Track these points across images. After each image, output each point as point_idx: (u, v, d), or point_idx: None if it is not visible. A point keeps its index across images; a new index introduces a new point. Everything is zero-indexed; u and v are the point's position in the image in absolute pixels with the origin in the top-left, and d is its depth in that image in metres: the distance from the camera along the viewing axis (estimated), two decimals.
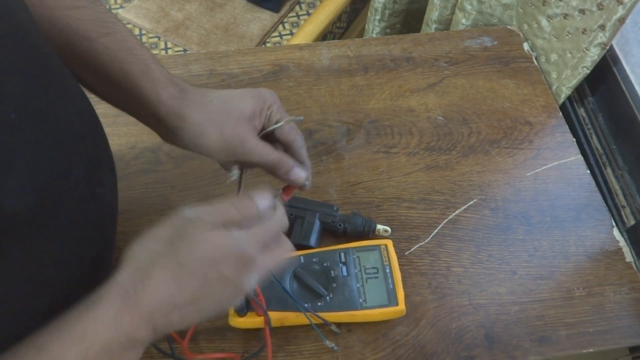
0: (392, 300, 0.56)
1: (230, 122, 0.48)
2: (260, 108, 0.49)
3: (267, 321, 0.52)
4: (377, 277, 0.57)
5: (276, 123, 0.50)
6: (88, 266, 0.44)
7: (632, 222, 0.68)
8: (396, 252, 0.59)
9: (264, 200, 0.40)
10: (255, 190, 0.41)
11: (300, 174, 0.49)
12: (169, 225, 0.38)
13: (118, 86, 0.48)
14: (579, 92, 0.81)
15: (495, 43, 0.84)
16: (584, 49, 0.73)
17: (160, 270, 0.35)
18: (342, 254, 0.58)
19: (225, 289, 0.38)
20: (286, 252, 0.42)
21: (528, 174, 0.70)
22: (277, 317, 0.55)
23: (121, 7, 1.53)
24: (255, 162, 0.48)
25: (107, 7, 1.54)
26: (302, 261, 0.58)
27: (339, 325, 0.56)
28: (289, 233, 0.60)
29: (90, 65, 0.47)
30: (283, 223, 0.41)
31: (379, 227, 0.62)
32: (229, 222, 0.38)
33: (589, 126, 0.79)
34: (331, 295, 0.55)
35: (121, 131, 0.72)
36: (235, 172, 0.50)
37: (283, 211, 0.42)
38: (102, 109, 0.74)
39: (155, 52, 1.37)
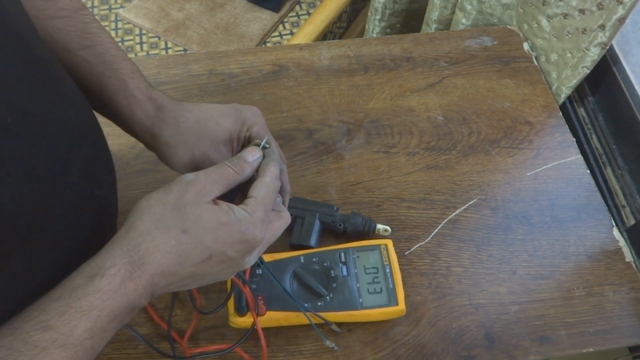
0: (392, 300, 0.56)
1: (203, 145, 0.47)
2: (239, 130, 0.48)
3: (254, 299, 0.53)
4: (377, 277, 0.57)
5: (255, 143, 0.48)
6: None
7: (632, 222, 0.68)
8: (396, 252, 0.59)
9: (252, 154, 0.42)
10: (244, 150, 0.43)
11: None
12: (173, 190, 0.38)
13: (97, 99, 0.48)
14: (579, 92, 0.81)
15: (495, 43, 0.84)
16: (584, 49, 0.73)
17: (164, 236, 0.36)
18: (342, 254, 0.58)
19: (226, 268, 0.39)
20: (285, 223, 0.42)
21: (528, 174, 0.70)
22: (277, 317, 0.55)
23: (121, 6, 1.53)
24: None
25: (108, 6, 1.54)
26: (302, 261, 0.58)
27: (339, 325, 0.57)
28: (289, 233, 0.60)
29: (71, 76, 0.46)
30: (276, 187, 0.42)
31: (379, 227, 0.62)
32: (227, 182, 0.39)
33: (589, 126, 0.79)
34: (331, 295, 0.56)
35: (121, 131, 0.72)
36: None
37: (274, 174, 0.42)
38: None
39: (155, 52, 1.38)
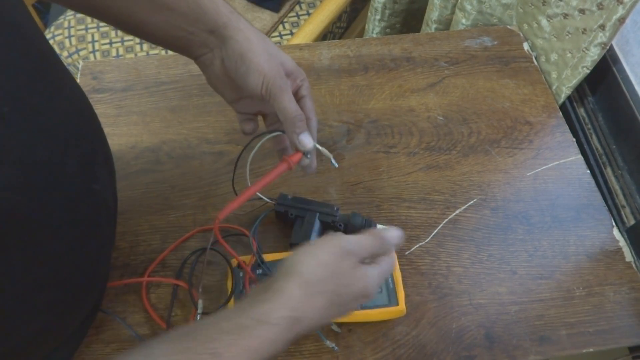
0: (392, 300, 0.56)
1: (279, 56, 0.49)
2: (296, 75, 0.50)
3: None
4: None
5: (300, 98, 0.51)
6: (86, 263, 0.44)
7: (632, 222, 0.68)
8: (396, 252, 0.59)
9: (399, 242, 0.46)
10: (391, 229, 0.46)
11: (310, 141, 0.49)
12: (334, 252, 0.42)
13: (172, 9, 0.47)
14: (579, 92, 0.81)
15: (495, 43, 0.84)
16: (584, 49, 0.73)
17: (322, 298, 0.40)
18: None
19: (343, 313, 0.44)
20: None
21: (528, 174, 0.70)
22: None
23: None
24: (281, 105, 0.47)
25: None
26: None
27: (339, 325, 0.56)
28: (289, 233, 0.60)
29: None
30: (393, 267, 0.48)
31: (379, 227, 0.62)
32: (371, 255, 0.44)
33: (589, 126, 0.79)
34: None
35: (121, 131, 0.72)
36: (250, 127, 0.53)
37: (394, 256, 0.50)
38: (102, 109, 0.74)
39: (155, 52, 1.37)
